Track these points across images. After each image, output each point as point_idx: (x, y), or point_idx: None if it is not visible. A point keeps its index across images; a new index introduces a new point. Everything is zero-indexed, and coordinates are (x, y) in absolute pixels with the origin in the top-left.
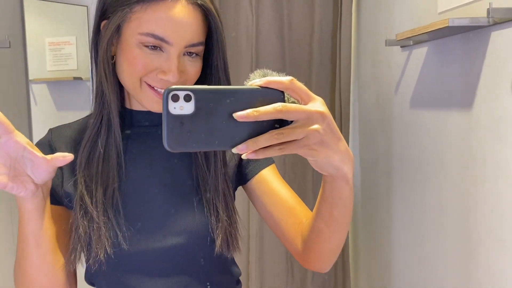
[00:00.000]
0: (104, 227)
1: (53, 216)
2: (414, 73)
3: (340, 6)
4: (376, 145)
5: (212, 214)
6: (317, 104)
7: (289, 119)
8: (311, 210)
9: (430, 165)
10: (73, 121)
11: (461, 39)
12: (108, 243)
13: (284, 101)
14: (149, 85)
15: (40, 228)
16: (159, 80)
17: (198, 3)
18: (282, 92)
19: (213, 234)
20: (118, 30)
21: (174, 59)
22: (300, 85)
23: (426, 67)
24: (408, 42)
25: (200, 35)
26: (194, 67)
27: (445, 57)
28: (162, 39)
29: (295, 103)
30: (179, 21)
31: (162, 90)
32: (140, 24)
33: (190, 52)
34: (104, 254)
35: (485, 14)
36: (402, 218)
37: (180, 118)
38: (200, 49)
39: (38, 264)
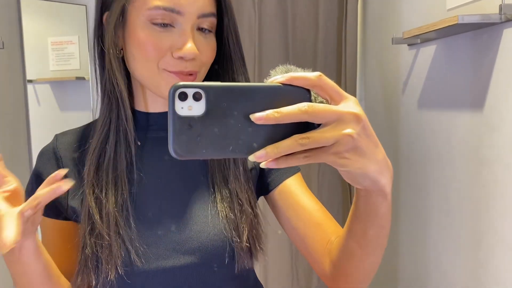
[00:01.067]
0: (115, 243)
1: (59, 232)
2: (421, 72)
3: (346, 3)
4: (382, 146)
5: (236, 209)
6: (350, 104)
7: (317, 121)
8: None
9: (438, 168)
10: (78, 126)
11: (471, 37)
12: (119, 262)
13: (310, 101)
14: (169, 71)
15: (46, 264)
16: (178, 63)
17: None
18: (308, 90)
19: (234, 239)
20: (122, 14)
21: (188, 30)
22: (330, 81)
23: (434, 66)
24: (416, 40)
25: (211, 5)
26: (208, 45)
27: (454, 55)
28: (172, 10)
29: (323, 103)
30: None
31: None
32: (145, 1)
33: (203, 28)
34: (115, 274)
35: (496, 11)
36: (408, 221)
37: (189, 120)
38: (213, 22)
39: None
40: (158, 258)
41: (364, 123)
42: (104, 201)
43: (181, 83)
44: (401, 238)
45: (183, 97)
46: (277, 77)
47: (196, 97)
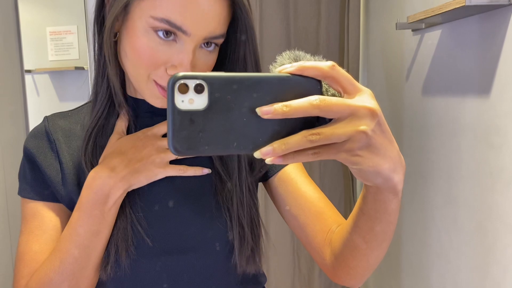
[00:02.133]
0: (124, 223)
1: (57, 214)
2: (426, 58)
3: None
4: None
5: (235, 231)
6: (365, 98)
7: (329, 116)
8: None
9: (444, 156)
10: (69, 109)
11: (478, 20)
12: (130, 242)
13: (321, 93)
14: (157, 83)
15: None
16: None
17: None
18: (320, 81)
19: (235, 252)
20: (126, 7)
21: (189, 52)
22: (344, 72)
23: (440, 52)
24: (420, 25)
25: (223, 26)
26: (207, 64)
27: (460, 40)
28: (179, 28)
29: (335, 95)
30: (202, 8)
31: None
32: (153, 5)
33: (208, 43)
34: (125, 256)
35: None
36: (412, 212)
37: (190, 114)
38: (221, 41)
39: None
40: (164, 243)
41: (379, 119)
42: None
43: (182, 73)
44: (404, 226)
45: (184, 89)
46: (286, 66)
47: (198, 89)
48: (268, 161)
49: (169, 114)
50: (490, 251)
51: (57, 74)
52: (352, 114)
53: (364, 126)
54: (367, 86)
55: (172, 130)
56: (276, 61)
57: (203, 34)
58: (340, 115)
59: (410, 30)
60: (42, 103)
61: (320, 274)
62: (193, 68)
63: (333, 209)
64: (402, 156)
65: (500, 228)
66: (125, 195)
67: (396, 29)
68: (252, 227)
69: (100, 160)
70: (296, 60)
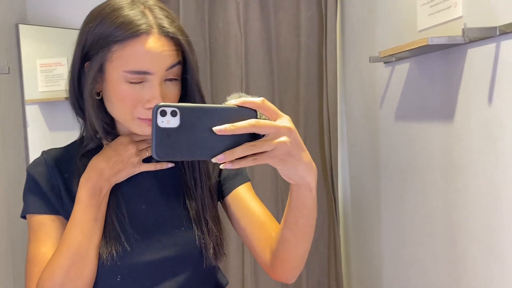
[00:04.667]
0: (111, 226)
1: (60, 224)
2: (397, 87)
3: (325, 26)
4: (363, 156)
5: (203, 226)
6: (285, 121)
7: (261, 133)
8: None
9: (416, 175)
10: (63, 145)
11: (440, 56)
12: (114, 245)
13: (257, 118)
14: (141, 118)
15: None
16: (148, 112)
17: (169, 36)
18: (255, 110)
19: (203, 245)
20: (101, 69)
21: (156, 86)
22: (270, 104)
23: (409, 82)
24: (391, 59)
25: (176, 57)
26: (174, 90)
27: (426, 72)
28: (145, 72)
29: (266, 119)
30: (155, 52)
31: None
32: (122, 62)
33: (170, 78)
34: (110, 255)
35: (461, 33)
36: (391, 226)
37: (167, 130)
38: (178, 69)
39: (91, 257)
40: (136, 254)
41: (294, 134)
42: None
43: (162, 103)
44: (384, 241)
45: (163, 113)
46: (232, 101)
47: (173, 114)
48: (221, 166)
49: (153, 130)
50: (460, 260)
51: (47, 105)
52: (277, 132)
53: (284, 138)
54: (345, 113)
55: (154, 141)
56: (226, 100)
57: (163, 68)
58: (269, 132)
59: (383, 62)
60: (32, 133)
61: (308, 287)
62: (164, 99)
63: (274, 220)
64: (313, 162)
65: (467, 239)
66: (111, 187)
67: (370, 62)
68: (215, 222)
69: (90, 163)
70: (240, 97)
